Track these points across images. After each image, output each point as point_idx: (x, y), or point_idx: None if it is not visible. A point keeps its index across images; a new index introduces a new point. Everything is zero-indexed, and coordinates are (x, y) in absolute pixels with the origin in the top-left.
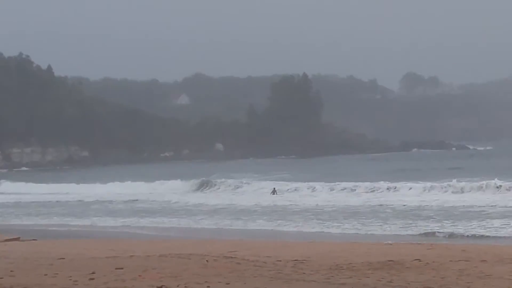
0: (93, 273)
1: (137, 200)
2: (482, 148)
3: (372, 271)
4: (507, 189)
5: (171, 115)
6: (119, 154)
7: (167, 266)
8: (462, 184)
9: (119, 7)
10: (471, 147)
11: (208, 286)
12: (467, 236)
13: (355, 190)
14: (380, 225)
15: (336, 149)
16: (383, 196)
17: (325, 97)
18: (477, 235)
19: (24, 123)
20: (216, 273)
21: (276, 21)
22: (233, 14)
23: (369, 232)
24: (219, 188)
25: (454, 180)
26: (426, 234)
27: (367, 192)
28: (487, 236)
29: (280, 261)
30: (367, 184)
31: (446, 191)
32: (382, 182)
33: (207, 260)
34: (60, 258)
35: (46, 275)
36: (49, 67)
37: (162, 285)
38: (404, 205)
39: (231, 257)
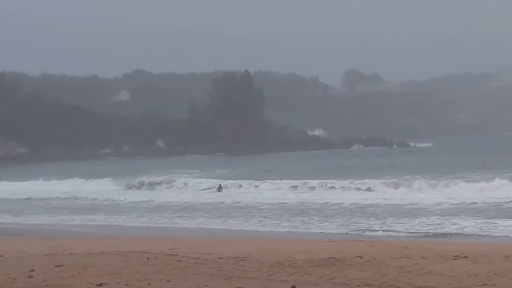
0: (32, 270)
1: (74, 197)
2: (423, 145)
3: (314, 268)
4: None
5: (111, 111)
6: (58, 150)
7: (107, 263)
8: (397, 181)
9: (58, 2)
10: (412, 144)
11: (149, 284)
12: (409, 233)
13: (297, 187)
14: (321, 222)
15: (277, 147)
16: (323, 194)
17: (267, 94)
18: (419, 232)
19: None
20: (157, 270)
21: (218, 14)
22: (172, 8)
23: (310, 230)
24: (159, 186)
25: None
26: (366, 231)
27: (309, 190)
28: (430, 234)
29: (222, 258)
30: (310, 181)
31: (387, 189)
32: (324, 180)
33: (147, 258)
34: None
35: None
36: None
37: (102, 283)
38: (342, 203)
39: (172, 255)
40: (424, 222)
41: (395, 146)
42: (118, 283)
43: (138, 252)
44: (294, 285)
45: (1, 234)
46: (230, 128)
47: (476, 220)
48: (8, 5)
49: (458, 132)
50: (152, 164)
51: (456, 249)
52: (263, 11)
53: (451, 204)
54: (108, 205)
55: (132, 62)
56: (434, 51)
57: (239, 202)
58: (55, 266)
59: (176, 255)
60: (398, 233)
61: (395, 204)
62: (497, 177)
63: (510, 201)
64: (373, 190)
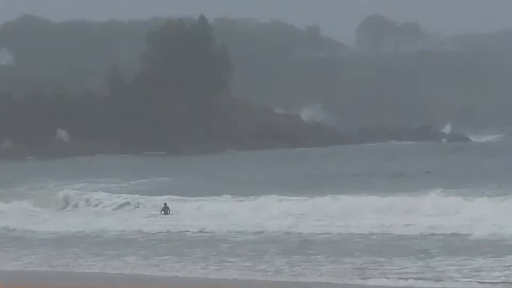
0: None
1: None
2: (488, 138)
3: None
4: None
5: None
6: None
7: None
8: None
9: None
10: (471, 137)
11: None
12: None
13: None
14: (321, 264)
15: (252, 140)
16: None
17: (236, 56)
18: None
19: None
20: None
21: None
22: None
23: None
24: (74, 204)
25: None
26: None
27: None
28: None
29: None
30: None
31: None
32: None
33: None
34: None
35: None
36: None
37: None
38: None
39: None
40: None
41: (444, 140)
42: None
43: None
44: None
45: None
46: (173, 111)
47: None
48: None
49: None
50: (49, 168)
51: None
52: None
53: None
54: None
55: (18, 4)
56: None
57: (202, 231)
58: None
59: None
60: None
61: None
62: None
63: None
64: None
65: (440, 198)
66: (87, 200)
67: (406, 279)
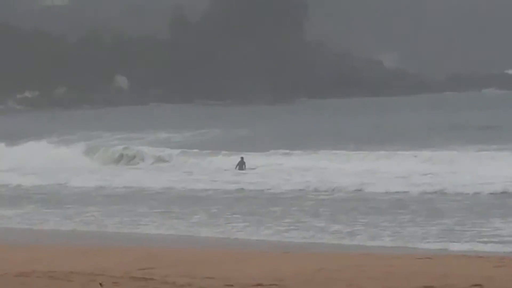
0: None
1: None
2: None
3: None
4: None
5: (36, 25)
6: None
7: None
8: None
9: None
10: None
11: None
12: None
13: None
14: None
15: (330, 88)
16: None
17: None
18: None
19: None
20: None
21: None
22: None
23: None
24: (134, 160)
25: None
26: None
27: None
28: None
29: (232, 286)
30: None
31: None
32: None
33: (101, 284)
34: None
35: None
36: None
37: None
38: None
39: (145, 278)
40: None
41: None
42: None
43: (84, 274)
44: None
45: None
46: (242, 55)
47: None
48: None
49: None
50: (108, 118)
51: None
52: None
53: None
54: (46, 193)
55: None
56: None
57: (269, 189)
58: None
59: (151, 279)
60: None
61: None
62: None
63: None
64: None
65: None
66: (159, 156)
67: None
